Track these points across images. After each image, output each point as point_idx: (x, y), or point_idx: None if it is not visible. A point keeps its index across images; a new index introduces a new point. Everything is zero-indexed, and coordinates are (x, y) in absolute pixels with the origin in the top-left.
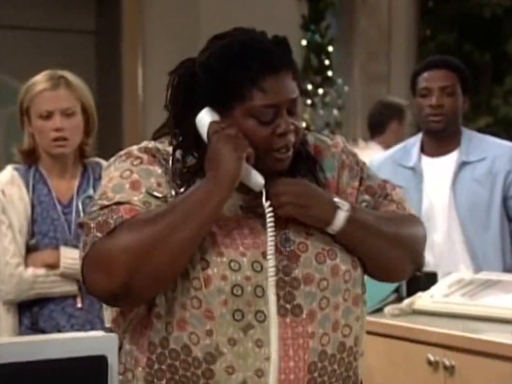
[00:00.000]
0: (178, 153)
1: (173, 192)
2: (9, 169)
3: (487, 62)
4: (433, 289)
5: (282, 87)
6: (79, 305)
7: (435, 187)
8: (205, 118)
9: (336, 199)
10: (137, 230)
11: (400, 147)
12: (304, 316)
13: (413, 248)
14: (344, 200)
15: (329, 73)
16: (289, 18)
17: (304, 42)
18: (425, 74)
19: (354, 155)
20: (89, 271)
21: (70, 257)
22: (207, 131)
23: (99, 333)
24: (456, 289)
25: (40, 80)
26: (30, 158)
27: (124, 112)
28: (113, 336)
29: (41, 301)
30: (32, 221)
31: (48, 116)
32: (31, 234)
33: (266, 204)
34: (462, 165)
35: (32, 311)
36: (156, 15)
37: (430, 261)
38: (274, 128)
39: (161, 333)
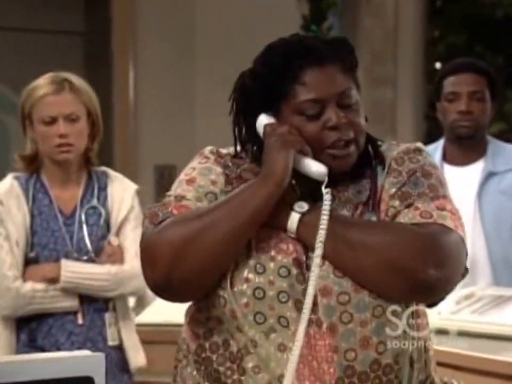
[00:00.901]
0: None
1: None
2: (8, 178)
3: (499, 64)
4: (441, 306)
5: (326, 80)
6: (80, 321)
7: (459, 198)
8: (261, 123)
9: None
10: (182, 224)
11: None
12: (324, 329)
13: (396, 261)
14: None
15: None
16: (289, 18)
17: None
18: (452, 78)
19: (416, 162)
20: (141, 261)
21: (72, 270)
22: (263, 135)
23: (85, 353)
24: (465, 306)
25: (42, 83)
26: (32, 165)
27: (114, 118)
28: (100, 356)
29: (39, 317)
30: (32, 233)
31: (52, 121)
32: (31, 246)
33: (325, 190)
34: (489, 175)
35: (30, 327)
36: (148, 14)
37: None
38: (325, 122)
39: (204, 325)
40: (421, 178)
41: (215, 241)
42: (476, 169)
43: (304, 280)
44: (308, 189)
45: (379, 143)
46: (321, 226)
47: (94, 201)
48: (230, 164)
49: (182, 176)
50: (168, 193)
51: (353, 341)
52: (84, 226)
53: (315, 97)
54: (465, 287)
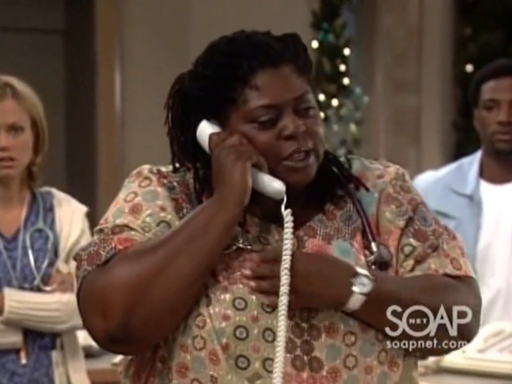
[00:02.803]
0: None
1: (177, 222)
2: None
3: None
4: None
5: (281, 84)
6: (23, 361)
7: (496, 221)
8: (204, 132)
9: (357, 272)
10: (134, 261)
11: (453, 168)
12: (324, 372)
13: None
14: (368, 271)
15: (346, 80)
16: (297, 15)
17: (315, 43)
18: (491, 83)
19: (409, 191)
20: (84, 311)
21: (17, 300)
22: (208, 145)
23: None
24: (493, 343)
25: None
26: None
27: (98, 125)
28: None
29: None
30: None
31: None
32: None
33: (285, 212)
34: None
35: None
36: (135, 11)
37: None
38: (280, 131)
39: (165, 380)
40: (426, 213)
41: (176, 278)
42: None
43: (292, 317)
44: (263, 208)
45: (342, 159)
46: (285, 252)
47: (40, 224)
48: (175, 185)
49: (121, 204)
50: (102, 226)
51: None
52: (29, 252)
53: (269, 103)
54: (499, 321)
